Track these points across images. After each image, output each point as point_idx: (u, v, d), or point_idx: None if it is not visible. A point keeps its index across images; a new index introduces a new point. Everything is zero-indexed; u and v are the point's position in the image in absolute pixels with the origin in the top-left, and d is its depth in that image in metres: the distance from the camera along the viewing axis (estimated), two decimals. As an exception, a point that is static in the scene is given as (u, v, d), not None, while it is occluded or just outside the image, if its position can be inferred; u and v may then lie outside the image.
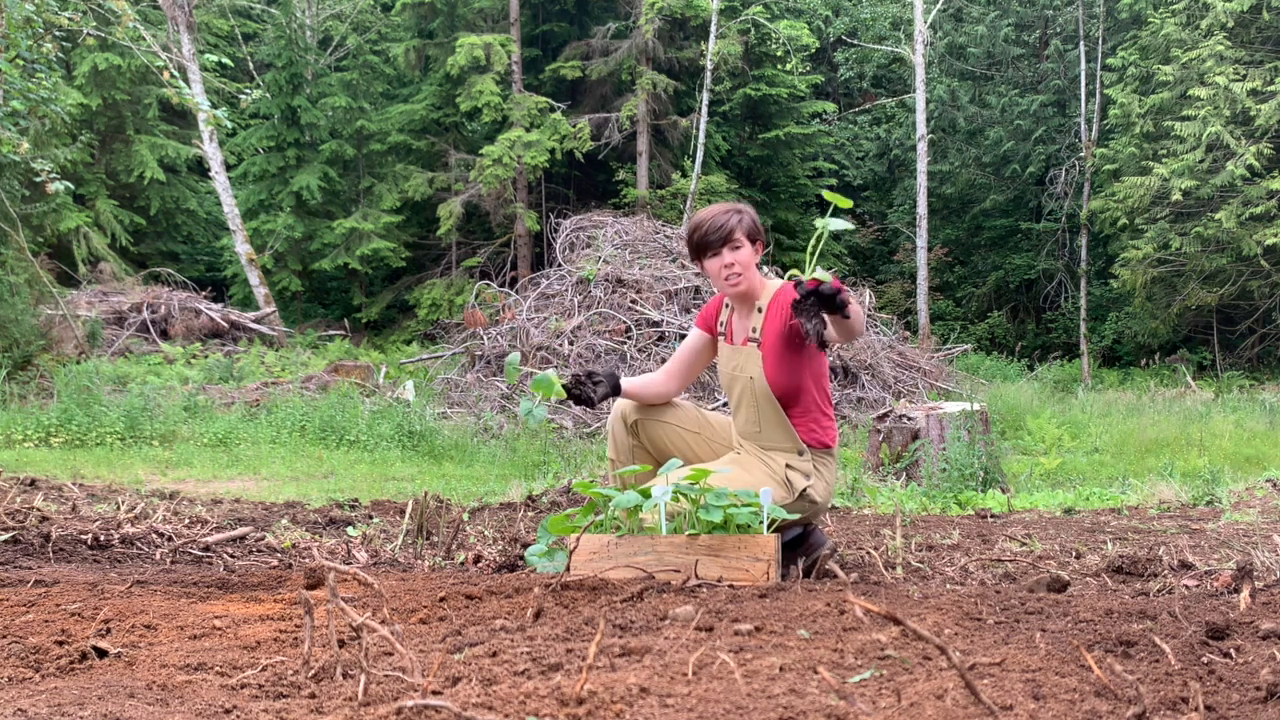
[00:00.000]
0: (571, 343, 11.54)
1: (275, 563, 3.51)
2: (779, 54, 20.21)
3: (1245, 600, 2.43)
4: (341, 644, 2.01)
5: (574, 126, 18.22)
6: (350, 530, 4.27)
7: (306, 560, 3.55)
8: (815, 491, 3.25)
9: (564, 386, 3.24)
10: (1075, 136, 21.76)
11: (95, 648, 2.07)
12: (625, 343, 11.38)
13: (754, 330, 3.30)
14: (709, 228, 3.30)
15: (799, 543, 3.24)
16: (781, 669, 1.70)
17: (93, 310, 14.22)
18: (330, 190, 19.46)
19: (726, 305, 3.46)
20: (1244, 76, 17.07)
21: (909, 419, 6.80)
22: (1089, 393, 14.67)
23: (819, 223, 3.05)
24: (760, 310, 3.30)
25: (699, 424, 3.44)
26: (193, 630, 2.27)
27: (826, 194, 3.15)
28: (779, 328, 3.24)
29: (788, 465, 3.25)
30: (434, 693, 1.63)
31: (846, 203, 3.13)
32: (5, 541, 3.51)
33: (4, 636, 2.17)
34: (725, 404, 3.66)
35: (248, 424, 9.32)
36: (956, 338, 18.99)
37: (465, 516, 4.66)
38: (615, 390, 3.38)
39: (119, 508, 4.33)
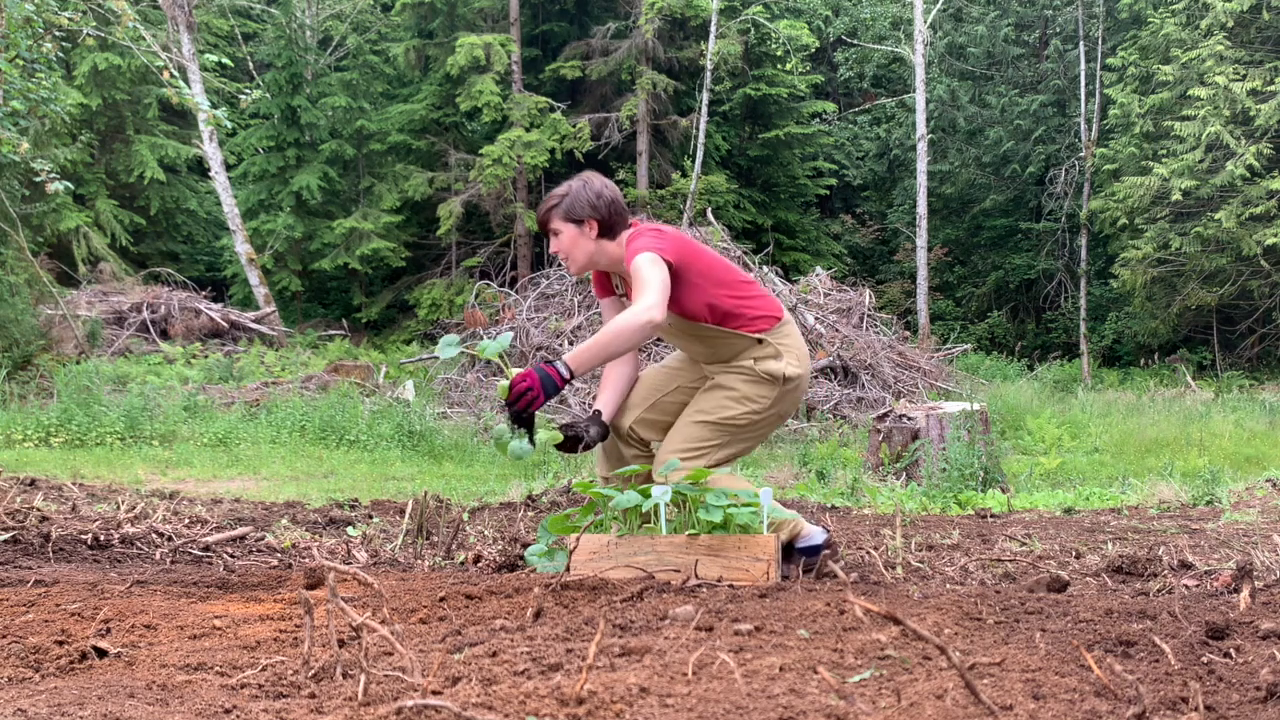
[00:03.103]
0: (571, 343, 11.54)
1: (275, 563, 3.51)
2: (779, 54, 20.20)
3: (1245, 600, 2.43)
4: (341, 644, 2.01)
5: (574, 126, 18.21)
6: (350, 530, 4.27)
7: (306, 560, 3.55)
8: (791, 366, 3.24)
9: (557, 446, 3.21)
10: (1075, 136, 21.76)
11: (95, 648, 2.07)
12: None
13: None
14: (537, 222, 3.34)
15: (817, 550, 3.21)
16: (781, 669, 1.70)
17: (93, 310, 14.22)
18: (330, 190, 19.46)
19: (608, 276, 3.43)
20: (1244, 76, 17.07)
21: (909, 419, 6.80)
22: (1089, 393, 14.66)
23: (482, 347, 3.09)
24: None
25: (671, 378, 3.40)
26: (193, 630, 2.27)
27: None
28: (627, 272, 3.21)
29: (755, 361, 3.23)
30: (434, 692, 1.63)
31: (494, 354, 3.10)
32: (5, 541, 3.51)
33: (4, 636, 2.17)
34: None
35: (248, 424, 9.32)
36: (956, 338, 18.98)
37: (465, 516, 4.66)
38: (604, 431, 3.34)
39: (119, 508, 4.33)
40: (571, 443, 3.20)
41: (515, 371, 2.97)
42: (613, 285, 3.41)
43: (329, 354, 15.61)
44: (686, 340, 3.31)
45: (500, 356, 3.11)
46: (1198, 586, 2.90)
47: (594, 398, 11.44)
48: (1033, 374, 15.97)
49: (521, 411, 2.96)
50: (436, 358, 13.64)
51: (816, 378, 11.34)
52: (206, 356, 13.62)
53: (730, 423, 3.21)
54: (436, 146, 19.89)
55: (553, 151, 17.99)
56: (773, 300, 3.35)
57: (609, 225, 3.23)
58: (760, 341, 3.24)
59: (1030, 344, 21.29)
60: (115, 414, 8.86)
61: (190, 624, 2.32)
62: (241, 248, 17.04)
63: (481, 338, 12.33)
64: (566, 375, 2.97)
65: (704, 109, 18.22)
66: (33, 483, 5.16)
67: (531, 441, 3.04)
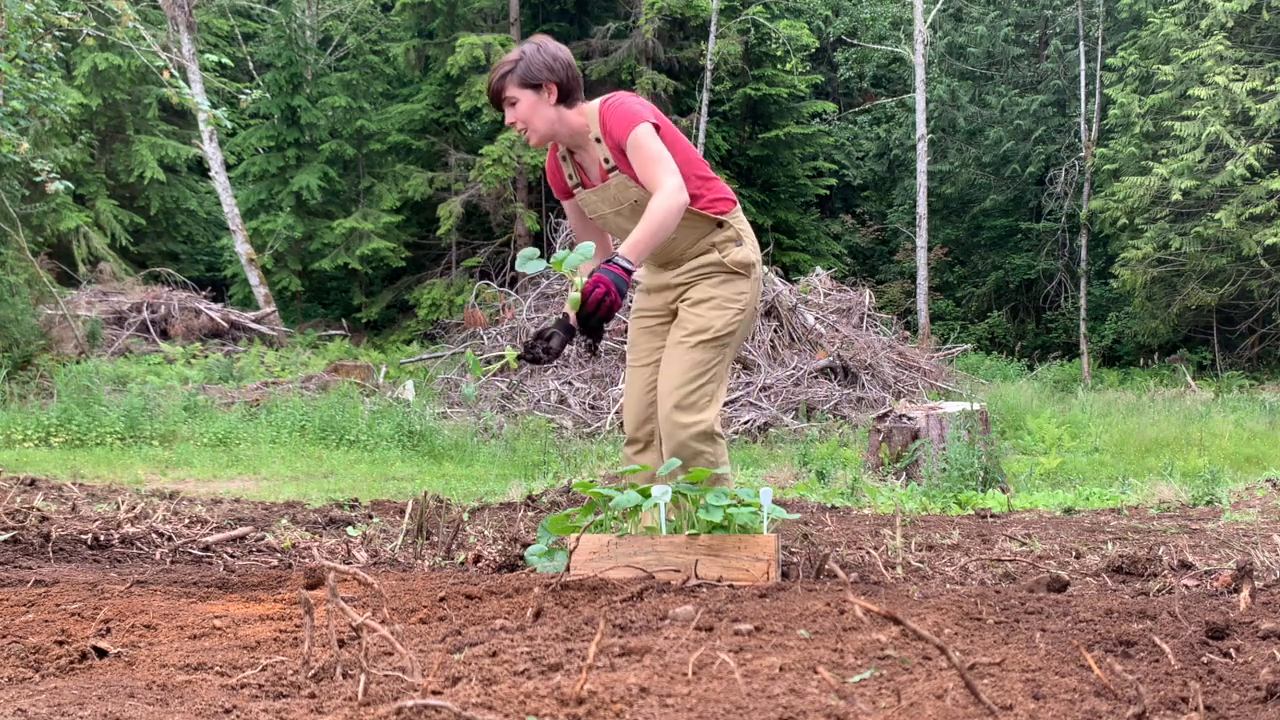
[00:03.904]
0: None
1: (275, 563, 3.51)
2: (779, 54, 20.21)
3: (1245, 600, 2.43)
4: (341, 644, 2.01)
5: (574, 126, 18.20)
6: (350, 530, 4.27)
7: (306, 560, 3.55)
8: (752, 251, 3.20)
9: (519, 357, 3.07)
10: (1075, 136, 21.76)
11: (95, 648, 2.07)
12: (625, 342, 11.37)
13: (606, 161, 3.13)
14: (487, 94, 3.15)
15: None
16: (781, 669, 1.70)
17: (93, 310, 14.22)
18: (330, 190, 19.46)
19: (563, 159, 3.28)
20: (1244, 76, 17.07)
21: (909, 419, 6.80)
22: (1089, 393, 14.67)
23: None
24: (599, 141, 3.12)
25: (654, 336, 3.31)
26: (193, 630, 2.27)
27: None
28: (618, 152, 3.08)
29: (721, 253, 3.15)
30: (434, 692, 1.63)
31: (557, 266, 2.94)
32: (5, 541, 3.51)
33: (4, 636, 2.17)
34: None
35: (248, 424, 9.32)
36: (956, 338, 18.99)
37: (465, 516, 4.66)
38: (569, 332, 3.19)
39: (119, 507, 4.33)
40: (531, 347, 3.06)
41: (582, 280, 2.81)
42: (566, 178, 3.27)
43: (329, 354, 15.61)
44: None
45: (555, 272, 2.95)
46: (1198, 586, 2.90)
47: (594, 398, 11.32)
48: (1033, 374, 15.97)
49: (603, 318, 2.82)
50: (438, 357, 13.64)
51: (816, 378, 11.34)
52: (206, 356, 13.62)
53: (724, 333, 3.13)
54: (436, 146, 19.90)
55: (553, 151, 17.98)
56: (724, 184, 3.28)
57: (567, 90, 3.09)
58: (721, 224, 3.15)
59: (1030, 344, 21.30)
60: (115, 414, 8.86)
61: (190, 624, 2.32)
62: (241, 248, 17.04)
63: (481, 338, 12.33)
64: (631, 268, 2.86)
65: (704, 109, 18.22)
66: (33, 483, 5.16)
67: (594, 350, 2.94)
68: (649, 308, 3.35)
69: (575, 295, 2.82)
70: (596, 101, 3.16)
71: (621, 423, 10.29)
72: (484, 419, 10.12)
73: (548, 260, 3.00)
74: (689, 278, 3.21)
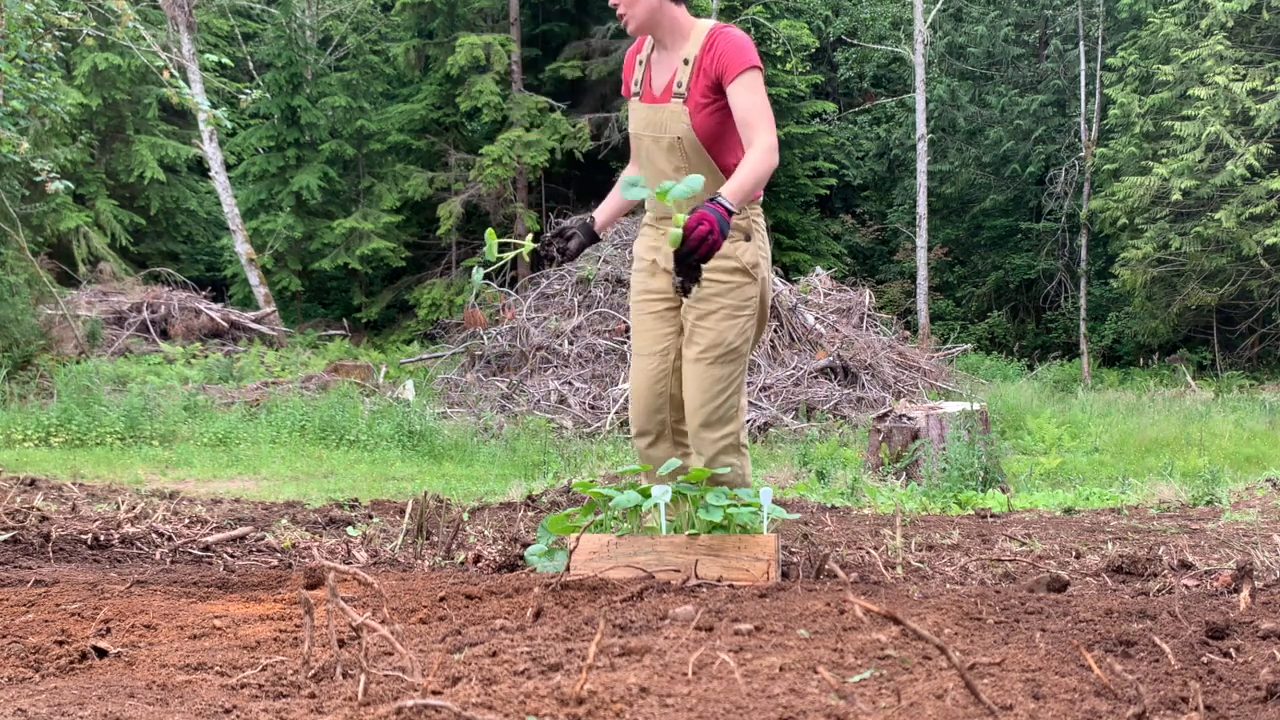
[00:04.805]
0: (571, 343, 11.54)
1: (275, 563, 3.51)
2: (779, 54, 20.20)
3: (1245, 600, 2.43)
4: (341, 644, 2.01)
5: (574, 126, 18.21)
6: (350, 530, 4.27)
7: (306, 560, 3.55)
8: (756, 247, 3.08)
9: (534, 249, 3.03)
10: (1075, 136, 21.76)
11: (95, 647, 2.07)
12: (625, 342, 11.38)
13: (679, 84, 2.99)
14: None
15: None
16: (781, 669, 1.70)
17: (93, 310, 14.22)
18: (330, 190, 19.46)
19: (640, 62, 3.12)
20: (1244, 76, 17.08)
21: (909, 419, 6.80)
22: (1089, 393, 14.67)
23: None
24: (687, 63, 2.99)
25: (662, 321, 3.22)
26: (193, 630, 2.27)
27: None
28: (708, 84, 2.96)
29: (730, 231, 3.01)
30: (434, 692, 1.63)
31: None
32: (5, 541, 3.51)
33: (4, 636, 2.17)
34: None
35: (248, 424, 9.32)
36: (956, 338, 18.99)
37: (465, 516, 4.66)
38: (592, 236, 3.14)
39: (119, 507, 4.33)
40: (549, 244, 3.03)
41: (683, 217, 2.67)
42: (634, 81, 3.12)
43: (329, 354, 15.61)
44: (674, 158, 3.03)
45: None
46: (1198, 586, 2.90)
47: (594, 398, 11.33)
48: (1033, 374, 15.97)
49: (703, 257, 2.66)
50: (438, 357, 13.64)
51: (816, 378, 11.34)
52: (206, 356, 13.62)
53: (738, 343, 3.08)
54: (436, 146, 19.90)
55: (553, 151, 17.99)
56: None
57: None
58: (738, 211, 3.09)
59: (1030, 344, 21.29)
60: (115, 414, 8.86)
61: (190, 624, 2.32)
62: (241, 248, 17.04)
63: (481, 338, 12.33)
64: (733, 210, 2.73)
65: (704, 109, 18.18)
66: (33, 483, 5.16)
67: (686, 291, 2.76)
68: (656, 290, 3.22)
69: (676, 231, 2.66)
70: (708, 21, 3.04)
71: (623, 422, 10.30)
72: (484, 419, 10.12)
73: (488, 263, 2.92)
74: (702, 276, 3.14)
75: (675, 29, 3.00)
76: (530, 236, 3.05)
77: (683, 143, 2.98)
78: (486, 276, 3.01)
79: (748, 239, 3.10)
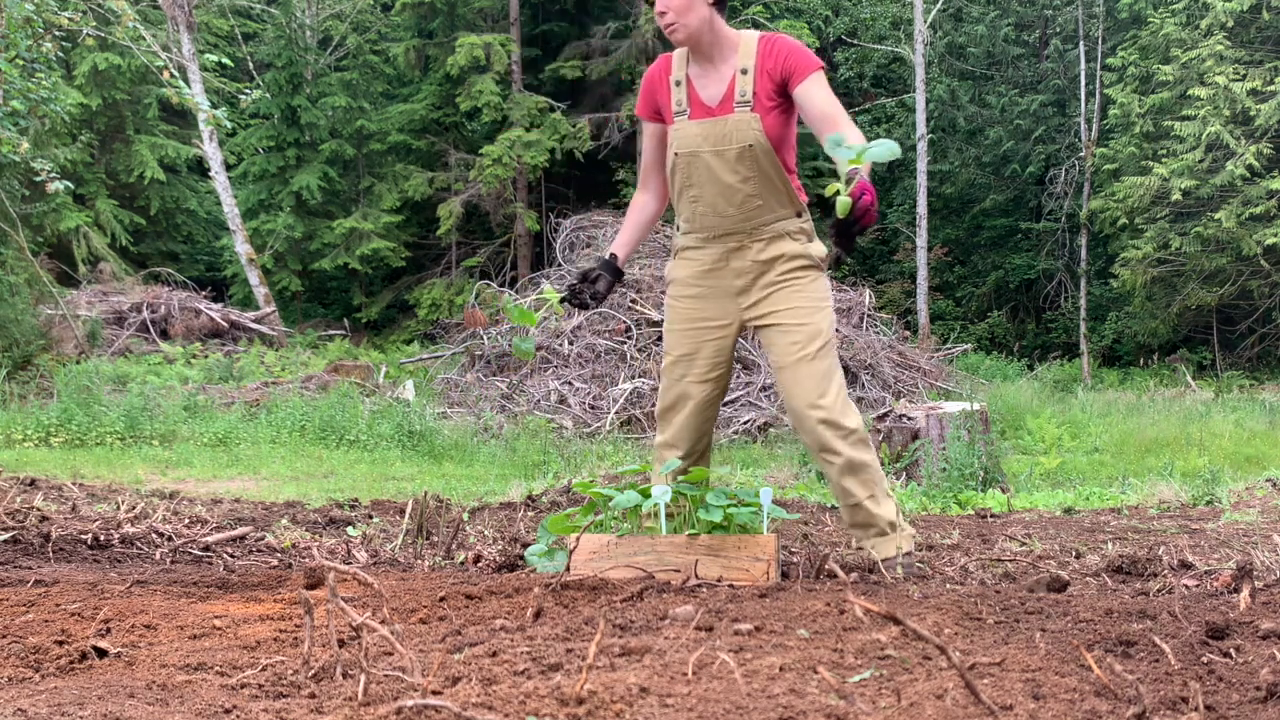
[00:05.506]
0: (571, 343, 11.55)
1: (275, 563, 3.51)
2: (779, 54, 20.19)
3: (1245, 600, 2.43)
4: (341, 644, 2.01)
5: (574, 126, 18.22)
6: (350, 530, 4.27)
7: (306, 560, 3.55)
8: (821, 246, 3.06)
9: (562, 300, 3.02)
10: (1075, 136, 21.75)
11: (95, 647, 2.07)
12: (625, 342, 11.38)
13: (743, 94, 2.95)
14: None
15: None
16: (781, 669, 1.70)
17: (93, 310, 14.22)
18: (330, 190, 19.47)
19: (677, 83, 3.04)
20: (1244, 76, 17.08)
21: (909, 419, 6.80)
22: (1089, 392, 14.67)
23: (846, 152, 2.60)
24: (746, 72, 2.95)
25: (719, 350, 3.15)
26: (193, 630, 2.27)
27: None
28: (773, 87, 2.94)
29: (792, 237, 3.02)
30: (434, 692, 1.63)
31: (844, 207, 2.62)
32: (5, 541, 3.51)
33: (4, 636, 2.17)
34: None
35: (248, 424, 9.32)
36: (956, 337, 18.98)
37: (465, 516, 4.66)
38: (616, 273, 3.08)
39: (119, 507, 4.33)
40: (579, 292, 2.99)
41: (849, 186, 2.56)
42: (672, 101, 3.04)
43: (329, 354, 15.61)
44: (742, 180, 2.96)
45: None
46: (1198, 586, 2.90)
47: (594, 398, 11.30)
48: (1033, 374, 15.97)
49: (861, 230, 2.59)
50: (438, 357, 13.64)
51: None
52: (206, 356, 13.62)
53: (831, 333, 3.02)
54: (436, 146, 19.90)
55: (553, 151, 18.00)
56: None
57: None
58: (799, 214, 3.07)
59: (1030, 344, 21.29)
60: (115, 414, 8.86)
61: (190, 624, 2.32)
62: (241, 248, 17.05)
63: (480, 338, 12.33)
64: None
65: (704, 109, 18.18)
66: (33, 483, 5.16)
67: (839, 262, 2.73)
68: (714, 318, 3.12)
69: (846, 200, 2.54)
70: (750, 31, 3.02)
71: (624, 422, 10.28)
72: (484, 419, 10.12)
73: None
74: (775, 277, 3.04)
75: (724, 40, 2.98)
76: (549, 286, 3.04)
77: (754, 149, 2.95)
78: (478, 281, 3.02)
79: (810, 239, 3.10)
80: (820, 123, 2.91)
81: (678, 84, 3.05)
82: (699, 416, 3.17)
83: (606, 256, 3.14)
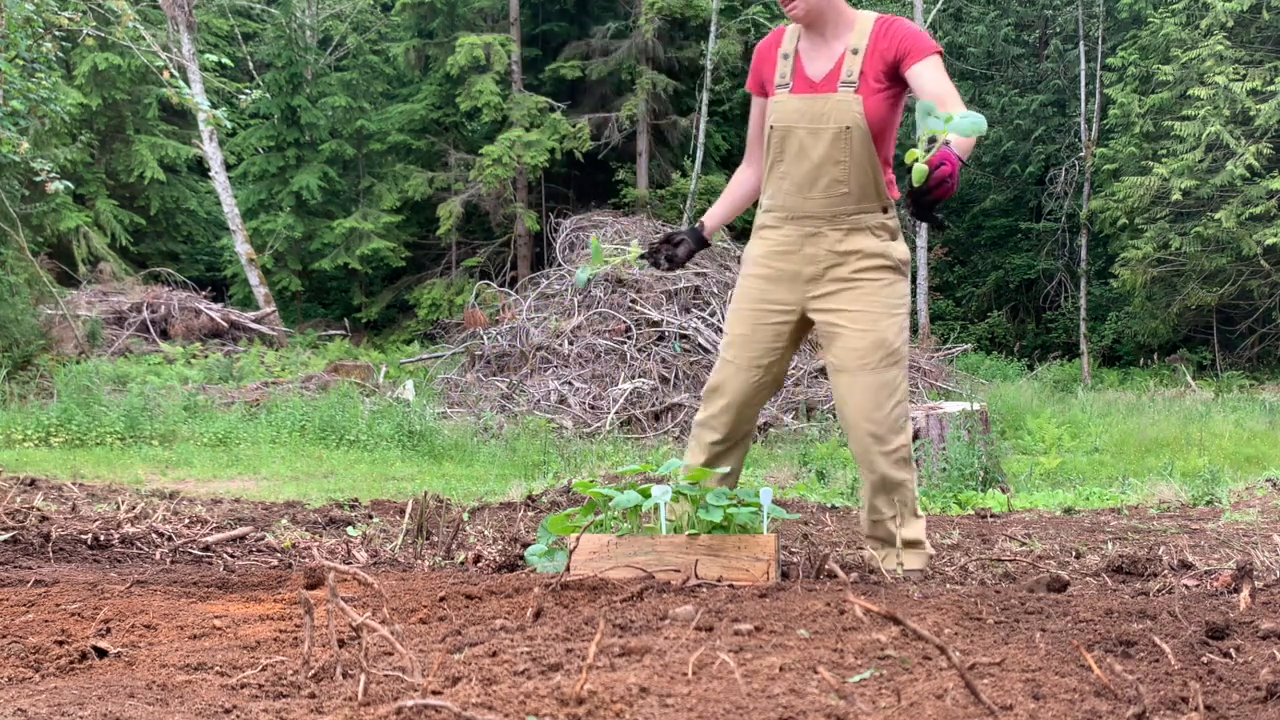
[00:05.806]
0: (571, 342, 11.54)
1: (275, 562, 3.51)
2: (779, 54, 20.20)
3: (1245, 600, 2.43)
4: (341, 644, 2.01)
5: (574, 126, 18.22)
6: (350, 530, 4.27)
7: (306, 560, 3.55)
8: (905, 247, 2.96)
9: (641, 256, 2.97)
10: (1075, 136, 21.76)
11: (95, 647, 2.07)
12: (625, 342, 11.38)
13: (849, 74, 2.86)
14: None
15: None
16: (781, 669, 1.70)
17: (93, 310, 14.22)
18: (330, 190, 19.48)
19: (785, 56, 2.97)
20: (1244, 76, 17.08)
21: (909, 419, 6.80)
22: (1089, 392, 14.67)
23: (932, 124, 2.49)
24: (856, 53, 2.87)
25: (778, 335, 3.04)
26: (193, 630, 2.27)
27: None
28: (883, 68, 2.85)
29: (874, 233, 2.90)
30: (434, 692, 1.63)
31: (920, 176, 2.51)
32: (5, 541, 3.51)
33: (4, 636, 2.17)
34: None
35: (248, 424, 9.32)
36: (956, 338, 18.99)
37: (465, 516, 4.66)
38: (701, 242, 3.01)
39: (119, 507, 4.33)
40: (658, 251, 2.94)
41: (925, 155, 2.47)
42: (776, 74, 2.96)
43: (329, 354, 15.62)
44: (837, 154, 2.87)
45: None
46: (1198, 586, 2.90)
47: (594, 398, 11.30)
48: (1033, 374, 15.97)
49: (936, 200, 2.51)
50: (438, 357, 13.64)
51: (816, 377, 11.34)
52: (206, 356, 13.62)
53: (899, 344, 2.92)
54: (436, 146, 19.91)
55: (553, 151, 18.00)
56: None
57: None
58: (886, 209, 2.94)
59: (1030, 344, 21.29)
60: (115, 414, 8.86)
61: (190, 624, 2.32)
62: (241, 248, 17.05)
63: (480, 338, 12.33)
64: (964, 162, 2.62)
65: (704, 109, 18.21)
66: (33, 483, 5.16)
67: (938, 224, 2.57)
68: (778, 302, 3.02)
69: (922, 168, 2.47)
70: (868, 12, 2.95)
71: (624, 422, 10.27)
72: (484, 419, 10.12)
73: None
74: (849, 274, 2.94)
75: (841, 18, 2.91)
76: (635, 242, 3.02)
77: (851, 132, 2.85)
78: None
79: (894, 238, 2.98)
80: (936, 103, 2.79)
81: (785, 57, 2.98)
82: (742, 402, 3.07)
83: (693, 225, 3.07)
